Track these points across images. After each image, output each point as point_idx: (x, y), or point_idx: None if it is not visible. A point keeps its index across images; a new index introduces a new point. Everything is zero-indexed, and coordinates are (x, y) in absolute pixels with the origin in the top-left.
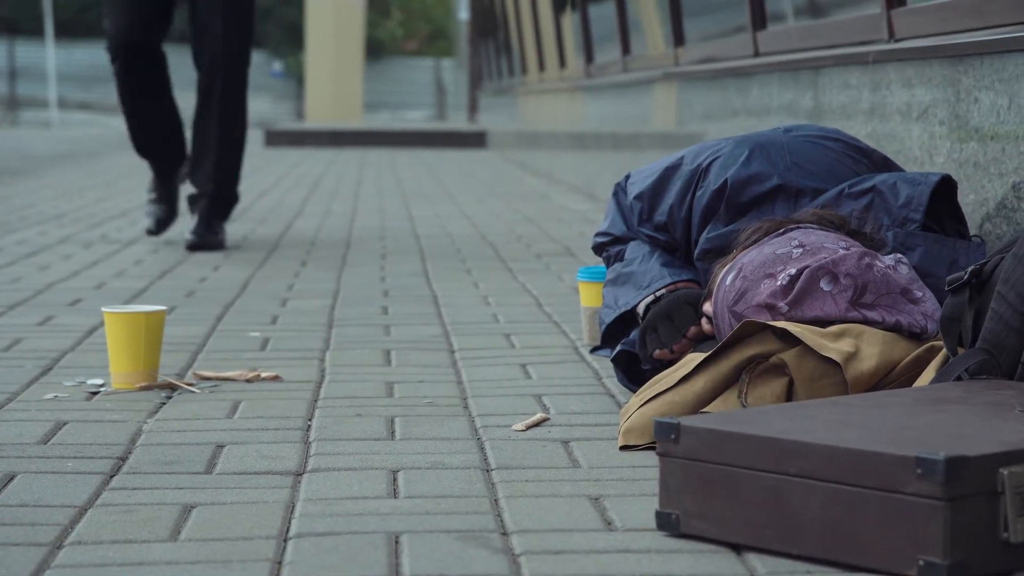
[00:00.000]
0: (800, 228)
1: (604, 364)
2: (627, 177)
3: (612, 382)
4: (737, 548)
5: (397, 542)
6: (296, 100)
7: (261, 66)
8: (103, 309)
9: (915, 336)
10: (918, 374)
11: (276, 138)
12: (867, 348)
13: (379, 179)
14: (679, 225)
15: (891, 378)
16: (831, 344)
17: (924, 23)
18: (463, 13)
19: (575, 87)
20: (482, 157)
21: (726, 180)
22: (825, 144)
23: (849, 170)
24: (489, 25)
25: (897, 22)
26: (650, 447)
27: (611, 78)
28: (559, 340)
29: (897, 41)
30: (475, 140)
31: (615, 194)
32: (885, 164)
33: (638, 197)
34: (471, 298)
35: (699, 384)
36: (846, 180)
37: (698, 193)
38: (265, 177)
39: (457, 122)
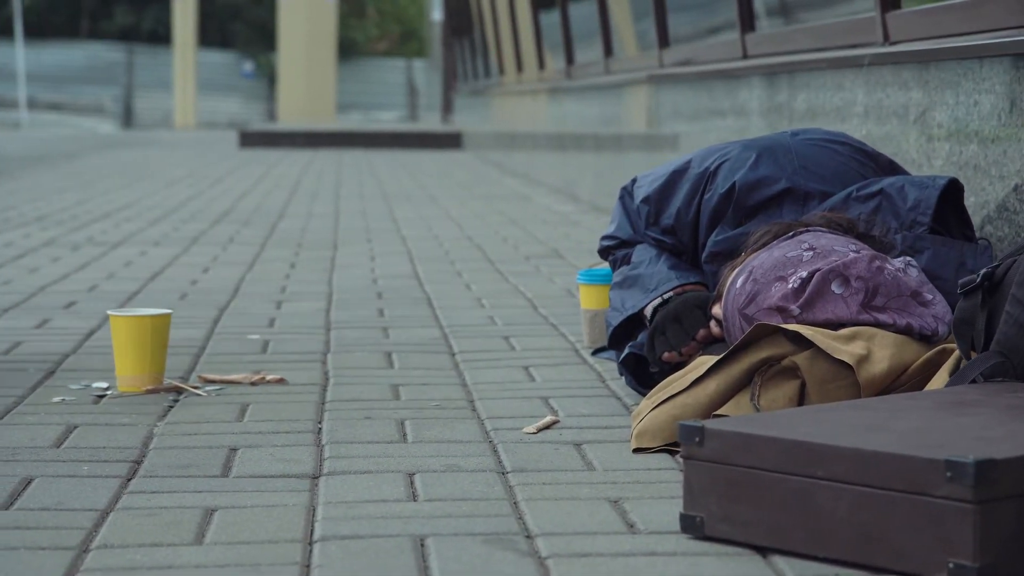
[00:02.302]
0: (810, 231)
1: (606, 366)
2: (633, 181)
3: (617, 384)
4: (763, 551)
5: (423, 545)
6: (267, 100)
7: (231, 66)
8: (109, 312)
9: (926, 339)
10: (929, 377)
11: (250, 139)
12: (879, 351)
13: (359, 180)
14: (686, 228)
15: (902, 381)
16: (843, 347)
17: (919, 26)
18: (437, 14)
19: (555, 88)
20: (458, 158)
21: (734, 183)
22: (832, 148)
23: (856, 173)
24: (464, 26)
25: (892, 25)
26: (664, 449)
27: (593, 80)
28: (559, 342)
29: (892, 44)
30: (450, 141)
31: (621, 197)
32: (891, 167)
33: (645, 200)
34: (465, 300)
35: (711, 387)
36: (853, 183)
37: (706, 196)
38: (243, 179)
39: (430, 123)
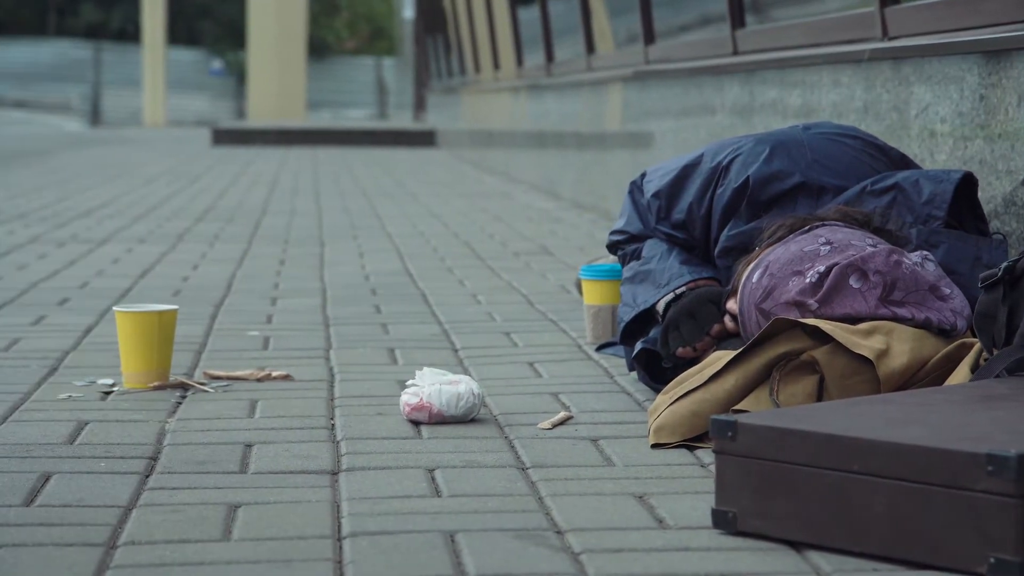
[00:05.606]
0: (825, 225)
1: (613, 362)
2: (643, 175)
3: (625, 380)
4: (796, 545)
5: (453, 541)
6: (236, 98)
7: (199, 64)
8: (115, 309)
9: (944, 333)
10: (949, 371)
11: (223, 136)
12: (898, 345)
13: (336, 178)
14: (698, 223)
15: (921, 375)
16: (862, 341)
17: (918, 21)
18: (408, 12)
19: (535, 85)
20: (433, 156)
21: (748, 177)
22: (844, 141)
23: (868, 167)
24: (437, 23)
25: (891, 20)
26: (682, 445)
27: (575, 76)
28: (561, 338)
29: (891, 39)
30: (424, 139)
31: (630, 192)
32: (903, 161)
33: (655, 195)
34: (460, 297)
35: (730, 382)
36: (866, 177)
37: (718, 191)
38: (220, 176)
39: (401, 121)
